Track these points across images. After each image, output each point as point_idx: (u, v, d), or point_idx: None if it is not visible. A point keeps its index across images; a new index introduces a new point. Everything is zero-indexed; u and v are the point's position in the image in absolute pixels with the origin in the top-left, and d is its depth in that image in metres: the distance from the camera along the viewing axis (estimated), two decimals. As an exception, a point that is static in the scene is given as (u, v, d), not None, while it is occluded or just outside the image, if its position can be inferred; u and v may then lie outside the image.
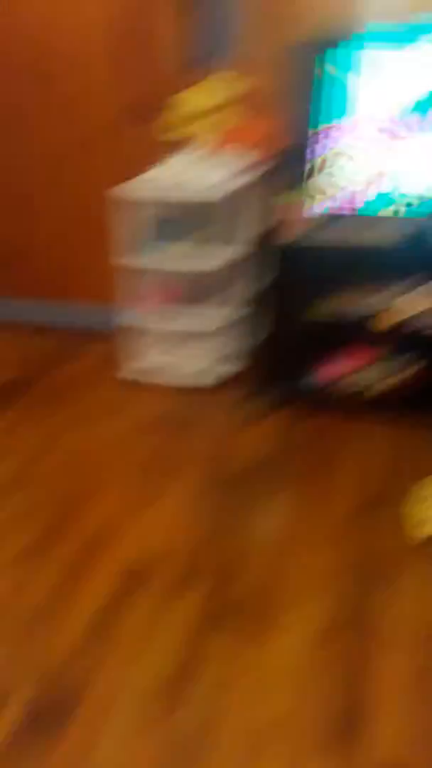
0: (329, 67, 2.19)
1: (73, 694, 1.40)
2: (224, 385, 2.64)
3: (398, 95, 2.18)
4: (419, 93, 2.16)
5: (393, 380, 2.46)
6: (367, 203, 2.34)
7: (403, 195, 2.30)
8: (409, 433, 2.31)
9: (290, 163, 2.37)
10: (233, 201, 2.42)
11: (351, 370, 2.52)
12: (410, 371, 2.45)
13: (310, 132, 2.27)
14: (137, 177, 2.48)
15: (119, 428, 2.43)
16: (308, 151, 2.30)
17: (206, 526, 1.92)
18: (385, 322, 2.36)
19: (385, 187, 2.31)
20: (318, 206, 2.36)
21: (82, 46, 2.70)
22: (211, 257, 2.46)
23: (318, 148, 2.29)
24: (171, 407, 2.55)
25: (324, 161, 2.31)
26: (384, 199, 2.32)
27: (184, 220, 2.54)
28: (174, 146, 2.58)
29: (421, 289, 2.36)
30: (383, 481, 2.09)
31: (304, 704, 1.37)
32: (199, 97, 2.51)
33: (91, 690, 1.40)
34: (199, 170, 2.45)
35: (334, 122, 2.25)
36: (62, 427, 2.42)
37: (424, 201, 2.29)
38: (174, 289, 2.64)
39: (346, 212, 2.36)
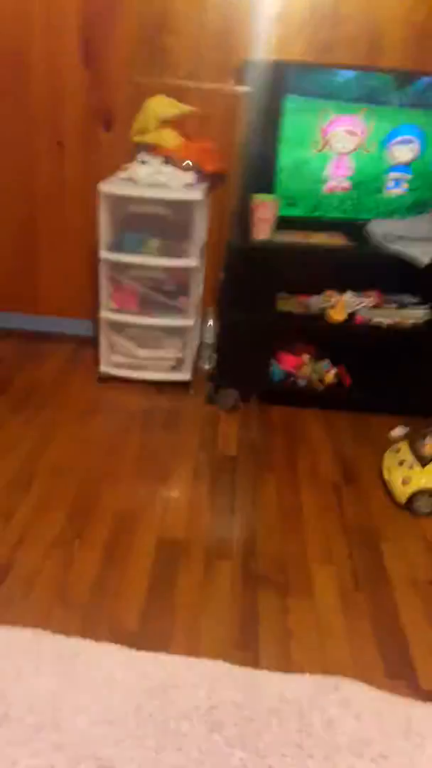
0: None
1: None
2: (196, 379, 2.84)
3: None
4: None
5: (330, 376, 2.77)
6: (326, 206, 2.65)
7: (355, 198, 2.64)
8: (357, 419, 2.69)
9: (259, 168, 2.60)
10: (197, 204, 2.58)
11: (303, 364, 2.81)
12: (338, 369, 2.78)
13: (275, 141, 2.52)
14: (112, 177, 2.59)
15: (109, 422, 2.53)
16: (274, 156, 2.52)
17: (216, 507, 2.10)
18: (335, 317, 2.65)
19: (341, 191, 2.62)
20: (283, 208, 2.59)
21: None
22: (184, 254, 2.62)
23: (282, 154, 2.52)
24: (151, 401, 2.69)
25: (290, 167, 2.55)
26: (339, 202, 2.64)
27: (148, 219, 2.67)
28: (139, 150, 2.70)
29: (367, 290, 2.69)
30: (350, 458, 2.43)
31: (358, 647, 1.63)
32: (160, 108, 2.68)
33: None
34: (168, 173, 2.59)
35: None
36: (52, 423, 2.46)
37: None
38: (141, 288, 2.77)
39: (307, 214, 2.63)
